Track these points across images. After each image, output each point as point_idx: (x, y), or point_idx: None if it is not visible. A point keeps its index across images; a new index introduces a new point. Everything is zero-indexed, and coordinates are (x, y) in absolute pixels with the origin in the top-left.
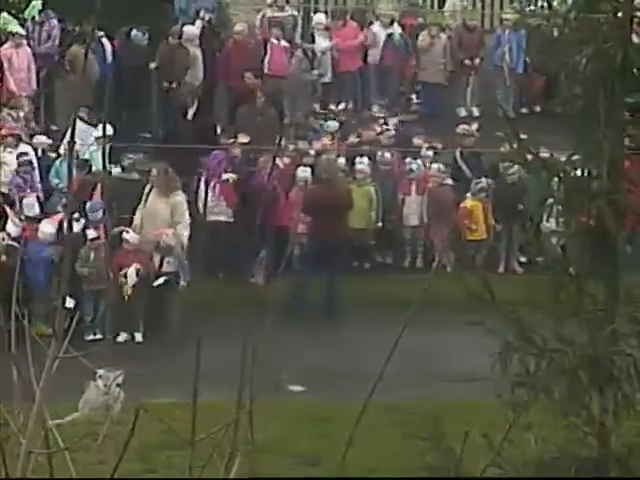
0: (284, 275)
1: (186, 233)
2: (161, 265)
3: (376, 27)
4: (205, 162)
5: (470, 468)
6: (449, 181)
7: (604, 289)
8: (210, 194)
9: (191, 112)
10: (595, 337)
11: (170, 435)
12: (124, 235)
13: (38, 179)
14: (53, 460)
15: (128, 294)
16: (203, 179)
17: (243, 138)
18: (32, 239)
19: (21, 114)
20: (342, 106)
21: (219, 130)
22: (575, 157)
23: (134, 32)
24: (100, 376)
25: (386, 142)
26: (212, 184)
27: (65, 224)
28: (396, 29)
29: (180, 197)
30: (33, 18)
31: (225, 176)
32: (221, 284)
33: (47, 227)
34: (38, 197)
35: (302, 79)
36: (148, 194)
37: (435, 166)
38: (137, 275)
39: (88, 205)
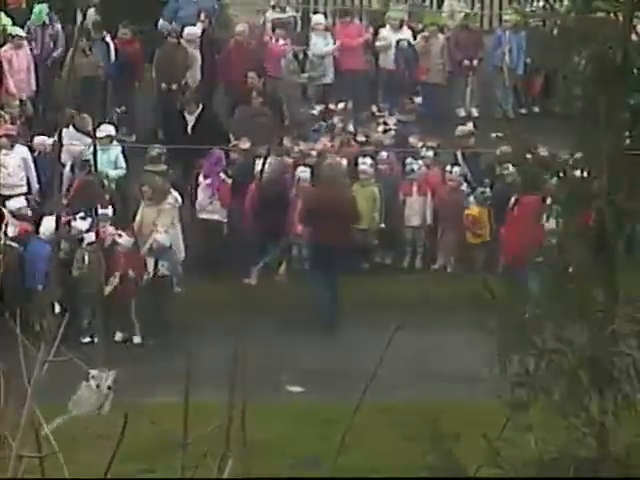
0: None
1: (179, 237)
2: (156, 267)
3: (386, 31)
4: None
5: (470, 468)
6: (465, 186)
7: (604, 289)
8: (204, 192)
9: (193, 118)
10: (595, 338)
11: (167, 435)
12: (116, 238)
13: (35, 179)
14: (47, 460)
15: (106, 294)
16: (201, 177)
17: (244, 144)
18: (32, 236)
19: (12, 114)
20: (342, 105)
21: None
22: (575, 157)
23: (161, 22)
24: (93, 376)
25: (387, 142)
26: (207, 182)
27: (50, 223)
28: (405, 33)
29: (169, 205)
30: (44, 23)
31: (222, 176)
32: (214, 284)
33: (49, 224)
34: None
35: (293, 81)
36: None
37: (456, 169)
38: (120, 280)
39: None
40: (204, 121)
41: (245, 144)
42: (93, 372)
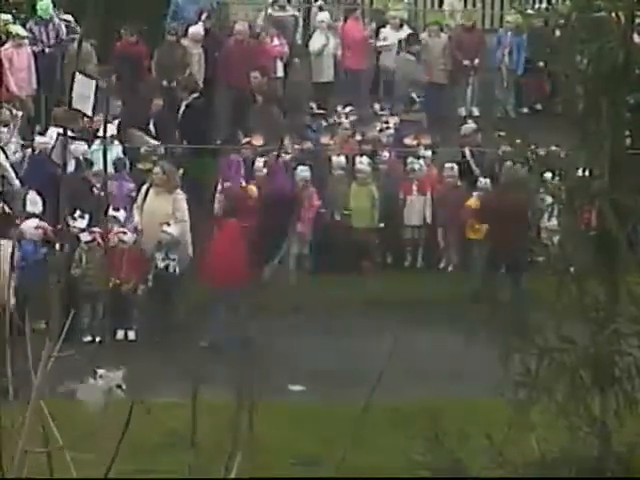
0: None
1: (187, 231)
2: (166, 265)
3: (387, 30)
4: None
5: (472, 468)
6: (458, 182)
7: (605, 288)
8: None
9: (184, 103)
10: (596, 337)
11: (172, 435)
12: (120, 236)
13: (14, 178)
14: (52, 459)
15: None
16: (220, 182)
17: (257, 140)
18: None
19: (19, 114)
20: (344, 105)
21: (219, 130)
22: (576, 156)
23: (165, 20)
24: (101, 376)
25: (386, 141)
26: (223, 187)
27: (31, 224)
28: (407, 32)
29: (181, 195)
30: (51, 18)
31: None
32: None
33: (32, 224)
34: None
35: (293, 80)
36: (147, 192)
37: (449, 165)
38: (123, 278)
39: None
40: (194, 108)
41: (258, 141)
42: (101, 371)
